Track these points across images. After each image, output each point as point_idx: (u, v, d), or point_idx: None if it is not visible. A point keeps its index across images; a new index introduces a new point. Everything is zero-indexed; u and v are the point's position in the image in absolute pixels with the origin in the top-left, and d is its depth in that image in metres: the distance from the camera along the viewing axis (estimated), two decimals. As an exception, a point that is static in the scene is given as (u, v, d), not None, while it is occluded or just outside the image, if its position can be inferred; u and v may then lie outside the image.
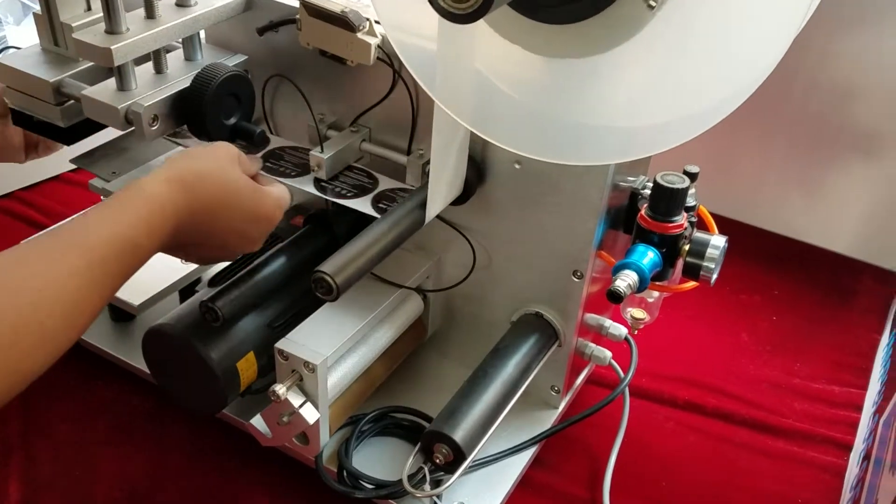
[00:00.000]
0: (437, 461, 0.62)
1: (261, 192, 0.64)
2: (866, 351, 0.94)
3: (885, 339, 0.94)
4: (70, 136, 0.73)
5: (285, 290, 0.74)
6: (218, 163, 0.62)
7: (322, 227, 0.77)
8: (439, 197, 0.67)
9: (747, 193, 1.14)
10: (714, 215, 0.73)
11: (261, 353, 0.71)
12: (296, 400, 0.64)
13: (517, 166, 0.68)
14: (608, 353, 0.79)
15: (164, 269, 0.83)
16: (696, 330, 0.97)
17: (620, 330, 0.81)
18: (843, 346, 0.95)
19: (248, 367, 0.70)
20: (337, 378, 0.68)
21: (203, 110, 0.68)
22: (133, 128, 0.67)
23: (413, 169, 0.72)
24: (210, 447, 0.78)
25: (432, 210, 0.66)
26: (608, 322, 0.81)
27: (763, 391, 0.88)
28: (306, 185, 0.72)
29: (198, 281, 0.86)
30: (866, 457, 0.75)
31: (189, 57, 0.73)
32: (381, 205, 0.70)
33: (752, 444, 0.82)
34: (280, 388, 0.64)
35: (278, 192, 0.66)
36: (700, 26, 0.50)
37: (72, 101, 0.71)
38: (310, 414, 0.65)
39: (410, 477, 0.64)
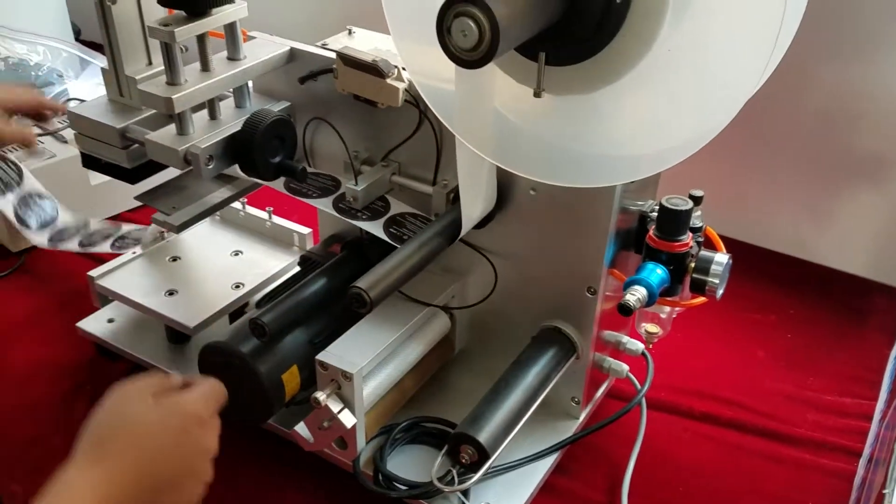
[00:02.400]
0: (464, 461, 0.69)
1: (173, 406, 0.57)
2: (878, 366, 0.98)
3: (894, 350, 0.98)
4: (134, 176, 0.82)
5: (324, 310, 0.81)
6: (122, 418, 0.56)
7: (357, 254, 0.85)
8: (474, 213, 0.74)
9: (761, 218, 1.19)
10: (730, 240, 0.79)
11: (303, 367, 0.78)
12: (335, 406, 0.71)
13: (532, 192, 0.76)
14: (625, 367, 0.85)
15: (217, 294, 0.92)
16: (713, 347, 1.02)
17: (637, 345, 0.86)
18: (855, 362, 0.99)
19: (291, 379, 0.77)
20: (371, 388, 0.75)
21: (252, 150, 0.76)
22: (191, 167, 0.76)
23: (438, 198, 0.79)
24: (253, 455, 0.85)
25: (468, 224, 0.73)
26: (625, 338, 0.87)
27: (776, 403, 0.93)
28: (326, 207, 0.80)
29: (247, 304, 0.94)
30: (870, 459, 0.80)
31: (239, 104, 0.82)
32: (392, 229, 0.78)
33: (765, 452, 0.87)
34: (321, 395, 0.71)
35: (199, 392, 0.60)
36: (681, 65, 0.57)
37: (136, 145, 0.80)
38: (347, 419, 0.72)
39: (440, 478, 0.71)
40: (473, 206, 0.74)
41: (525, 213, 0.77)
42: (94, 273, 0.95)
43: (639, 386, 0.85)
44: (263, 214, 1.03)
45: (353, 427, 0.72)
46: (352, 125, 0.83)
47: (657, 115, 0.61)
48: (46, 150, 1.16)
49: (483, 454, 0.68)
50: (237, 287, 0.94)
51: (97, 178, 1.10)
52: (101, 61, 1.39)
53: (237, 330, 0.77)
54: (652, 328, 0.83)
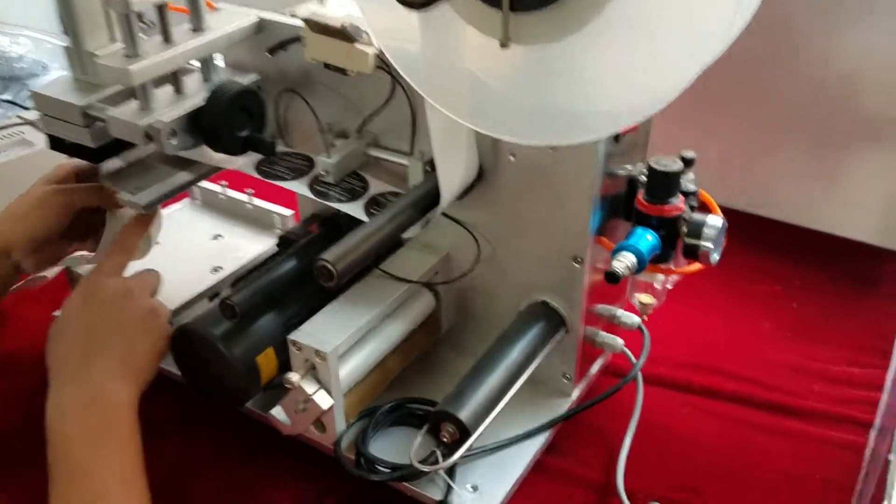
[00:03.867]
0: (444, 439, 0.65)
1: (90, 285, 0.74)
2: (888, 333, 0.94)
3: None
4: (99, 155, 0.79)
5: (300, 290, 0.78)
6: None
7: (334, 231, 0.81)
8: (454, 183, 0.70)
9: (765, 188, 1.14)
10: (732, 210, 0.75)
11: (280, 350, 0.75)
12: (310, 388, 0.68)
13: (511, 158, 0.72)
14: (619, 341, 0.81)
15: (194, 279, 0.89)
16: (715, 320, 0.98)
17: (633, 319, 0.82)
18: (864, 331, 0.95)
19: (267, 362, 0.74)
20: (350, 368, 0.72)
21: (217, 124, 0.73)
22: (154, 144, 0.72)
23: (415, 169, 0.76)
24: (236, 441, 0.82)
25: (448, 194, 0.70)
26: (620, 311, 0.83)
27: (782, 375, 0.89)
28: (301, 189, 0.76)
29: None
30: (881, 429, 0.75)
31: (206, 78, 0.79)
32: (373, 209, 0.74)
33: (770, 425, 0.83)
34: (294, 377, 0.67)
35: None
36: (651, 7, 0.53)
37: (99, 123, 0.77)
38: (323, 400, 0.68)
39: (422, 460, 0.67)
40: (453, 175, 0.70)
41: (505, 181, 0.73)
42: (70, 259, 0.92)
43: (634, 359, 0.81)
44: (244, 197, 1.00)
45: (331, 409, 0.69)
46: (324, 96, 0.80)
47: (631, 62, 0.57)
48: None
49: (464, 432, 0.64)
50: (216, 271, 0.91)
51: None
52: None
53: (208, 313, 0.74)
54: (646, 298, 0.78)
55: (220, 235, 0.98)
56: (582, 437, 0.81)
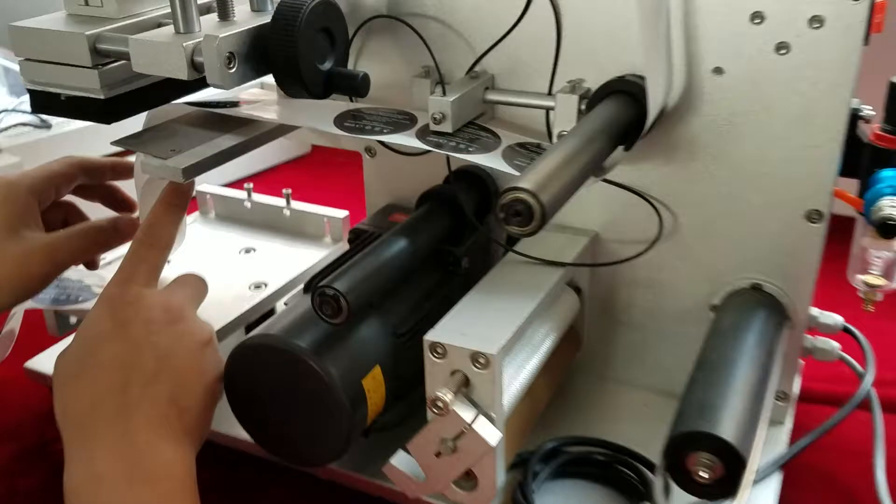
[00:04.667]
0: (700, 479, 0.41)
1: (126, 308, 0.49)
2: None
3: None
4: (111, 111, 0.56)
5: (408, 287, 0.54)
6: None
7: (449, 205, 0.58)
8: (657, 95, 0.49)
9: None
10: None
11: (388, 371, 0.51)
12: (466, 413, 0.44)
13: (716, 76, 0.51)
14: (835, 345, 0.60)
15: (232, 298, 0.65)
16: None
17: (834, 319, 0.61)
18: None
19: (375, 387, 0.49)
20: (506, 388, 0.48)
21: (294, 47, 0.51)
22: (201, 77, 0.50)
23: (566, 108, 0.54)
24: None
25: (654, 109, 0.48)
26: (816, 310, 0.61)
27: None
28: (409, 140, 0.54)
29: (271, 312, 0.66)
30: None
31: (258, 7, 0.57)
32: (517, 161, 0.52)
33: None
34: (446, 394, 0.43)
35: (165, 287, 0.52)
36: None
37: (112, 64, 0.54)
38: (488, 432, 0.44)
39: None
40: (656, 86, 0.49)
41: (704, 113, 0.52)
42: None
43: (860, 370, 0.59)
44: (278, 201, 0.77)
45: (499, 445, 0.44)
46: (422, 27, 0.59)
47: None
48: None
49: (733, 461, 0.41)
50: (257, 287, 0.67)
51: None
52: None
53: (285, 321, 0.50)
54: (874, 279, 0.58)
55: (251, 249, 0.74)
56: (808, 484, 0.58)
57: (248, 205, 0.78)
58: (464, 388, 0.45)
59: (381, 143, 0.64)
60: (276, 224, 0.77)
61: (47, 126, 1.01)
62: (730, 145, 0.52)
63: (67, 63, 0.54)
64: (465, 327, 0.46)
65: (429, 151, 0.53)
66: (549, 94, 0.56)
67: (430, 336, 0.45)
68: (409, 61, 0.60)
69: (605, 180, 0.56)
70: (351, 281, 0.47)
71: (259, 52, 0.52)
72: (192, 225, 0.79)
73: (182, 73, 0.50)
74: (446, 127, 0.54)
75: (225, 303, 0.64)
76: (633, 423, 0.58)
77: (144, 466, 0.44)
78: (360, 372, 0.48)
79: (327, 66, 0.54)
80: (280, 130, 0.60)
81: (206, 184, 0.82)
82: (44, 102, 0.57)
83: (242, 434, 0.52)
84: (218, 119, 0.59)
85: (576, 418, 0.60)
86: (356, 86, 0.53)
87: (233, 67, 0.50)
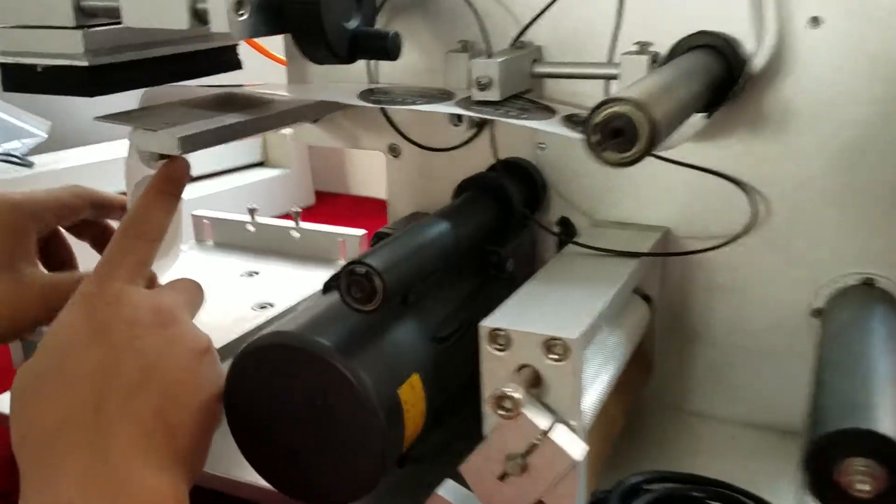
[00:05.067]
0: (858, 494, 0.31)
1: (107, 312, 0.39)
2: None
3: None
4: (96, 82, 0.47)
5: (445, 286, 0.45)
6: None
7: (490, 193, 0.49)
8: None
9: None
10: None
11: (428, 383, 0.41)
12: (541, 419, 0.34)
13: (814, 29, 0.43)
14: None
15: (234, 318, 0.55)
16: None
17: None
18: None
19: (414, 400, 0.39)
20: (586, 393, 0.38)
21: (313, 5, 0.43)
22: (203, 27, 0.42)
23: (634, 72, 0.46)
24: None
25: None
26: None
27: None
28: (451, 108, 0.45)
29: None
30: None
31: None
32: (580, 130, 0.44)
33: None
34: (515, 391, 0.33)
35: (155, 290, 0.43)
36: None
37: (99, 27, 0.46)
38: (570, 444, 0.34)
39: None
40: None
41: (802, 73, 0.44)
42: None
43: None
44: (285, 222, 0.68)
45: (580, 463, 0.34)
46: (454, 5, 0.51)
47: None
48: None
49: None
50: (263, 308, 0.57)
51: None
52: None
53: (302, 318, 0.40)
54: None
55: (254, 272, 0.64)
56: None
57: (251, 228, 0.69)
58: (533, 388, 0.35)
59: (411, 140, 0.56)
60: (283, 248, 0.68)
61: (29, 165, 0.93)
62: (835, 112, 0.44)
63: (46, 25, 0.46)
64: (531, 314, 0.37)
65: (474, 134, 0.44)
66: (610, 62, 0.48)
67: (489, 322, 0.35)
68: (441, 38, 0.53)
69: (680, 162, 0.47)
70: (387, 258, 0.37)
71: (275, 5, 0.44)
72: (189, 253, 0.69)
73: (182, 23, 0.42)
74: (493, 94, 0.45)
75: (224, 324, 0.54)
76: (719, 459, 0.48)
77: (123, 497, 0.33)
78: (396, 379, 0.38)
79: (353, 24, 0.46)
80: (293, 115, 0.51)
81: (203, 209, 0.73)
82: (17, 79, 0.49)
83: (244, 475, 0.42)
84: (222, 99, 0.51)
85: (651, 454, 0.49)
86: (386, 46, 0.45)
87: (243, 14, 0.42)
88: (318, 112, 0.57)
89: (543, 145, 0.52)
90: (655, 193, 0.50)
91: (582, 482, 0.35)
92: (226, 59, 0.54)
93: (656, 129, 0.29)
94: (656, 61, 0.45)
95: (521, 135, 0.52)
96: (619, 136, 0.29)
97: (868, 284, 0.45)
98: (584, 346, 0.36)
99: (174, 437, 0.36)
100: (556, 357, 0.34)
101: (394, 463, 0.39)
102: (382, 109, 0.57)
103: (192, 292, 0.44)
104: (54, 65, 0.47)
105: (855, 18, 0.42)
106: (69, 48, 0.46)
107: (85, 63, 0.46)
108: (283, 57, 0.60)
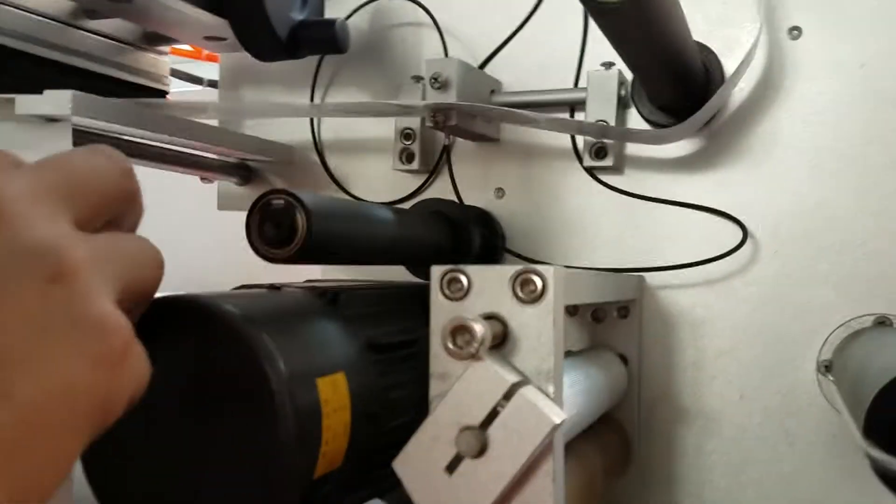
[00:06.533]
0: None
1: None
2: None
3: None
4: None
5: (388, 296, 0.36)
6: None
7: (444, 218, 0.42)
8: None
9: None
10: None
11: (356, 396, 0.31)
12: (507, 372, 0.25)
13: (792, 39, 0.40)
14: None
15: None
16: None
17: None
18: None
19: (335, 404, 0.29)
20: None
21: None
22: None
23: (603, 89, 0.41)
24: None
25: None
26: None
27: None
28: (409, 102, 0.40)
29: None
30: None
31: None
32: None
33: None
34: (478, 323, 0.24)
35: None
36: None
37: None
38: (546, 405, 0.24)
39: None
40: None
41: (784, 96, 0.41)
42: None
43: None
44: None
45: (559, 431, 0.24)
46: (412, 34, 0.48)
47: None
48: None
49: None
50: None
51: None
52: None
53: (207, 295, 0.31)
54: None
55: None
56: None
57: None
58: (495, 350, 0.26)
59: (350, 194, 0.50)
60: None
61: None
62: (824, 138, 0.40)
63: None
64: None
65: (424, 181, 0.39)
66: (576, 86, 0.44)
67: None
68: (392, 80, 0.49)
69: (664, 200, 0.42)
70: (315, 199, 0.30)
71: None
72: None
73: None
74: (450, 95, 0.40)
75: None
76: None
77: None
78: (315, 367, 0.29)
79: (299, 15, 0.42)
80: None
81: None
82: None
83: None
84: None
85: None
86: (333, 36, 0.41)
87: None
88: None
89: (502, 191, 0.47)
90: (625, 230, 0.44)
91: (560, 463, 0.25)
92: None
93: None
94: (623, 83, 0.42)
95: (479, 179, 0.46)
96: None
97: (882, 323, 0.39)
98: (563, 288, 0.27)
99: (24, 455, 0.20)
100: (530, 298, 0.26)
101: (303, 485, 0.29)
102: (322, 163, 0.51)
103: (79, 174, 0.22)
104: None
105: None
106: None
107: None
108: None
